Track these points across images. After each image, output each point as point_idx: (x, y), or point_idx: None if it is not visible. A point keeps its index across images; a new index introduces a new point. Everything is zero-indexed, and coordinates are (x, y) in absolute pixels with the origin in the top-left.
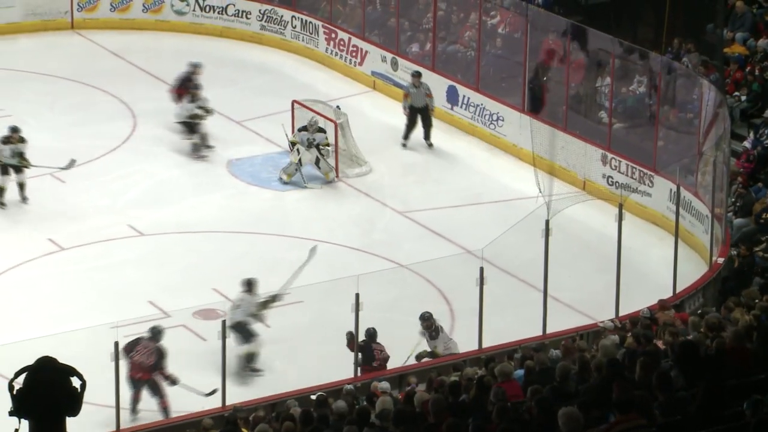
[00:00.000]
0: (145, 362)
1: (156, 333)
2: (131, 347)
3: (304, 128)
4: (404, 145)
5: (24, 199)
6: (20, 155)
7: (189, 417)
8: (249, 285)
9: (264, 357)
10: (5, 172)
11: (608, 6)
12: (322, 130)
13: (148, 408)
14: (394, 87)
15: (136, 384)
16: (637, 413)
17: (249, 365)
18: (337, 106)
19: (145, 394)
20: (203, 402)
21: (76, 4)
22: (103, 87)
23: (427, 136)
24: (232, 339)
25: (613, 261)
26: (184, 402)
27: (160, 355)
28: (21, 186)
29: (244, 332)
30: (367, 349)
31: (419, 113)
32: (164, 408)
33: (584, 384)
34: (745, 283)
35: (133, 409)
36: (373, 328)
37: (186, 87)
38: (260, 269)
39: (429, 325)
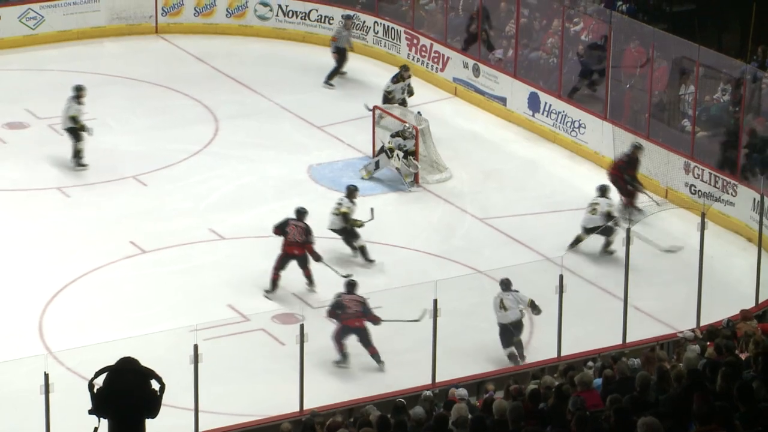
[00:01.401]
0: (299, 239)
1: (300, 213)
2: (283, 227)
3: (397, 134)
4: (332, 86)
5: (369, 261)
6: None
7: (267, 421)
8: (603, 190)
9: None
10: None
11: (693, 13)
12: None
13: (230, 412)
14: (476, 93)
15: (288, 259)
16: (719, 424)
17: (608, 249)
18: (418, 112)
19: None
20: (281, 407)
21: (161, 9)
22: (186, 91)
23: (332, 76)
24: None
25: (694, 270)
26: (261, 407)
27: (308, 231)
28: (361, 249)
29: (606, 230)
30: (336, 300)
31: (345, 54)
32: (308, 277)
33: (663, 394)
34: None
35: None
36: (354, 280)
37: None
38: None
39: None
